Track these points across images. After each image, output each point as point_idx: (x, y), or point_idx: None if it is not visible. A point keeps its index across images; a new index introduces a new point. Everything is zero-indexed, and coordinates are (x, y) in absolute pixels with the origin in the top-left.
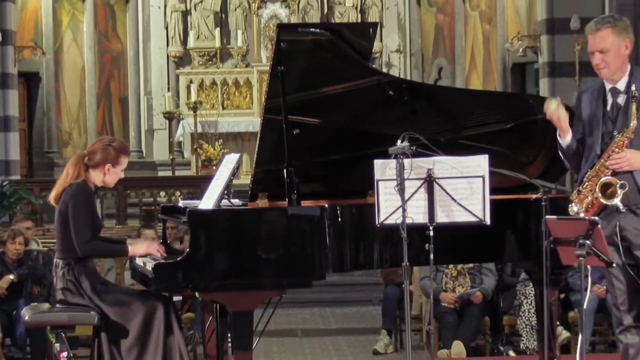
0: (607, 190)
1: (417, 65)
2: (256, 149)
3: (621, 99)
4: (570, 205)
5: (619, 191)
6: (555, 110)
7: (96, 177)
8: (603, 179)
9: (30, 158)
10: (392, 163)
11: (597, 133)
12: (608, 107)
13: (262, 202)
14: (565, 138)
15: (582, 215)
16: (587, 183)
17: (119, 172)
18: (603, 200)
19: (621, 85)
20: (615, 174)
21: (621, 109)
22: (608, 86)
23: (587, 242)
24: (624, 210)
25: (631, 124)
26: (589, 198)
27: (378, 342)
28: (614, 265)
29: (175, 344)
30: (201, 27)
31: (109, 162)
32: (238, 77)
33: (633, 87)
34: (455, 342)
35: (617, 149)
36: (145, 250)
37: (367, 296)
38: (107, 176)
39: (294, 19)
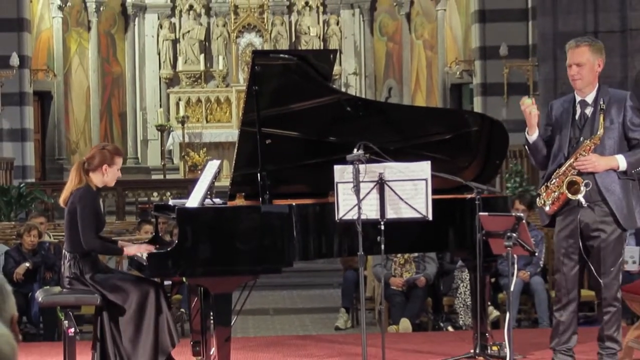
0: (572, 187)
1: (370, 86)
2: (234, 156)
3: (588, 110)
4: (538, 199)
5: (582, 189)
6: (529, 105)
7: (97, 179)
8: (570, 177)
9: (43, 164)
10: (349, 168)
11: (565, 137)
12: (577, 116)
13: (239, 201)
14: (533, 135)
15: (547, 208)
16: (554, 180)
17: (115, 172)
18: (569, 196)
19: (589, 98)
20: (579, 174)
21: (588, 119)
22: (578, 98)
23: (514, 234)
24: (585, 205)
25: (598, 133)
26: (556, 193)
27: (338, 319)
28: (535, 254)
29: (165, 321)
30: (188, 53)
31: (105, 163)
32: (219, 95)
33: (601, 101)
34: (402, 319)
35: (584, 153)
36: (136, 251)
37: (329, 280)
38: (105, 176)
39: (266, 46)
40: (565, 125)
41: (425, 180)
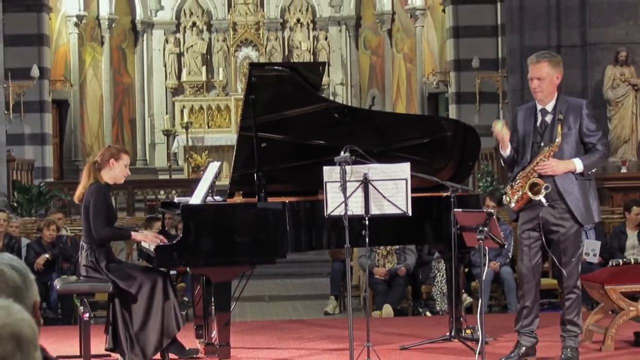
0: (534, 188)
1: (355, 95)
2: (233, 158)
3: (548, 118)
4: (504, 197)
5: (543, 190)
6: (499, 130)
7: (107, 176)
8: (532, 180)
9: (61, 165)
10: (337, 169)
11: (528, 143)
12: (538, 124)
13: (238, 199)
14: (506, 151)
15: (512, 205)
16: (519, 181)
17: (122, 167)
18: (531, 196)
19: (549, 107)
20: (540, 176)
21: (548, 126)
22: (539, 107)
23: (485, 229)
24: (546, 204)
25: (557, 140)
26: (520, 193)
27: (328, 305)
28: (505, 246)
29: (172, 307)
30: (191, 65)
31: (112, 158)
32: (220, 103)
33: (560, 112)
34: (385, 305)
35: (544, 158)
36: (142, 238)
37: (318, 270)
38: (113, 170)
39: (262, 59)
40: (527, 131)
41: (405, 180)
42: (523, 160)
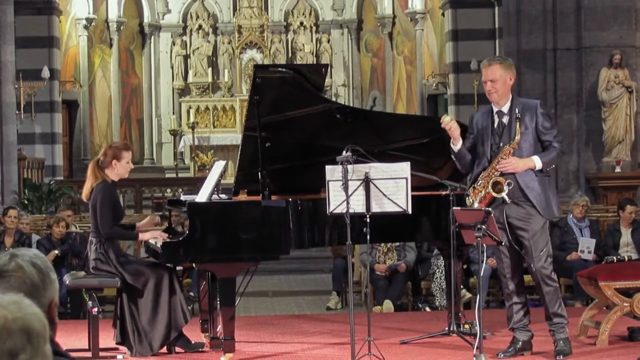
0: (496, 186)
1: (357, 96)
2: (238, 157)
3: (505, 119)
4: (467, 198)
5: (505, 188)
6: (448, 122)
7: (111, 173)
8: (494, 178)
9: (70, 164)
10: (339, 168)
11: (487, 144)
12: (495, 125)
13: (242, 197)
14: (457, 145)
15: (475, 205)
16: (480, 181)
17: (125, 164)
18: (494, 194)
19: (505, 108)
20: (502, 174)
21: (505, 127)
22: (495, 109)
23: (483, 226)
24: (509, 202)
25: (516, 138)
26: (482, 192)
27: (330, 300)
28: (503, 244)
29: (178, 302)
30: (198, 67)
31: (115, 159)
32: (225, 104)
33: (517, 110)
34: (385, 301)
35: (504, 156)
36: (150, 237)
37: (321, 266)
38: (117, 169)
39: (266, 61)
40: (486, 133)
41: (406, 178)
42: (482, 161)
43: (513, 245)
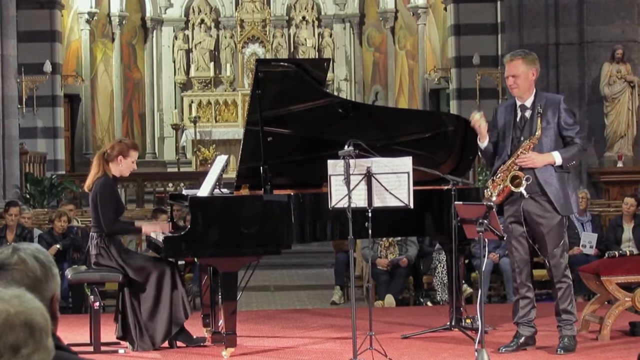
0: (515, 181)
1: (359, 90)
2: (240, 152)
3: (527, 114)
4: (485, 190)
5: (524, 182)
6: (477, 119)
7: (114, 169)
8: (513, 172)
9: (72, 158)
10: (341, 162)
11: (508, 138)
12: (517, 119)
13: (244, 191)
14: (484, 142)
15: (494, 198)
16: (500, 174)
17: (129, 163)
18: (512, 188)
19: (528, 103)
20: (521, 169)
21: (527, 121)
22: (518, 103)
23: (485, 221)
24: (527, 196)
25: (536, 134)
26: (501, 186)
27: (334, 294)
28: (504, 239)
29: (179, 296)
30: (200, 61)
31: (121, 155)
32: (227, 98)
33: (539, 106)
34: (387, 295)
35: (524, 151)
36: (153, 230)
37: (322, 261)
38: (120, 165)
39: (268, 55)
40: (508, 127)
41: (407, 173)
42: (503, 154)
43: (528, 240)
